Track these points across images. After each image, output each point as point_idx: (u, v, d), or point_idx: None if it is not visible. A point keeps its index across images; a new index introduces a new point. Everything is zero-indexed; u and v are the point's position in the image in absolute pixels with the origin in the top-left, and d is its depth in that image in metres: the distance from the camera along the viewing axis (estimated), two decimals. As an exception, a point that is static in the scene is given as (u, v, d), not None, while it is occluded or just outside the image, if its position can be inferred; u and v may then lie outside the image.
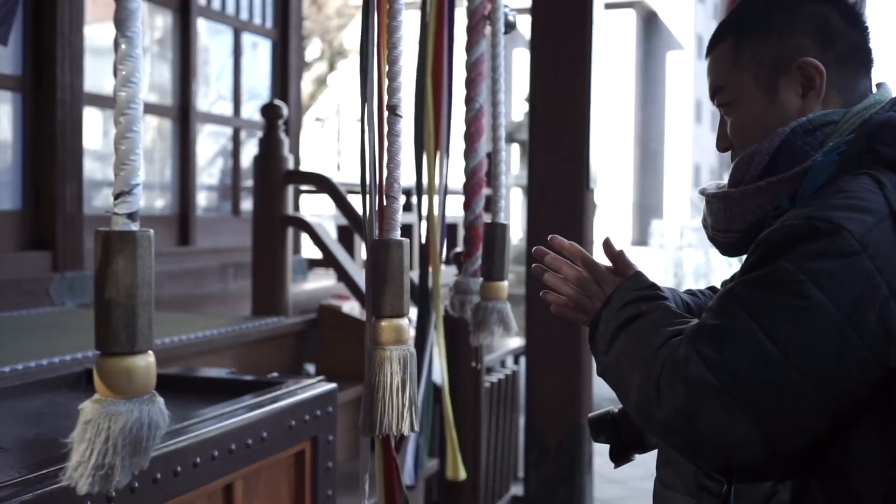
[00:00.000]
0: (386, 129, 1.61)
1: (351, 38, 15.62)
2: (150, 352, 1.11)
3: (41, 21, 4.53)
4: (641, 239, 24.86)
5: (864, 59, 1.44)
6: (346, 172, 14.36)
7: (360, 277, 4.06)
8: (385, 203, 1.62)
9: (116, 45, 1.09)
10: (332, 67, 16.03)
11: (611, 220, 26.65)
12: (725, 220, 1.44)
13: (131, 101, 1.08)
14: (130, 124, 1.08)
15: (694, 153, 34.95)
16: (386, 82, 1.59)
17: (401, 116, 1.62)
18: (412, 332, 2.39)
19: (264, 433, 2.19)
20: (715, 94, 1.50)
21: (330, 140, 17.56)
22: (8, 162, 4.53)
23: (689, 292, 1.65)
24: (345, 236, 5.55)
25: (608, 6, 25.30)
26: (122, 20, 1.06)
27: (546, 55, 3.65)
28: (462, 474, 2.38)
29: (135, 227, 1.10)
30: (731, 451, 1.20)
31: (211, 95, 6.35)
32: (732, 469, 1.26)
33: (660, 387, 1.24)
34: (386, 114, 1.62)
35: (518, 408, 4.76)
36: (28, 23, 4.52)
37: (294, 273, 5.56)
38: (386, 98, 1.61)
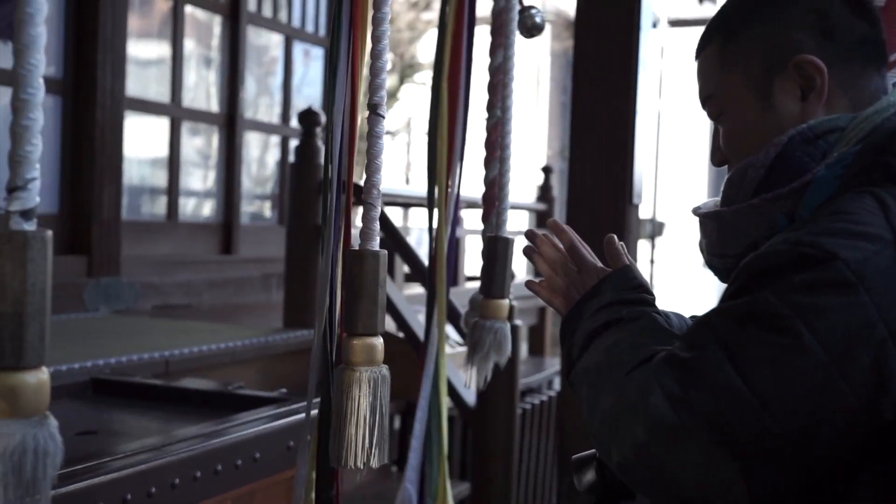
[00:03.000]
0: (366, 129, 1.47)
1: (423, 51, 15.61)
2: (44, 368, 0.97)
3: (83, 23, 4.50)
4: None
5: (873, 54, 1.22)
6: (414, 186, 14.31)
7: (394, 292, 3.93)
8: (363, 210, 1.48)
9: (18, 22, 0.97)
10: (402, 81, 15.99)
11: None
12: (720, 244, 1.26)
13: (30, 84, 0.95)
14: (28, 110, 0.95)
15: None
16: (364, 79, 1.45)
17: (383, 116, 1.48)
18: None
19: (257, 453, 2.06)
20: (705, 103, 1.31)
21: (399, 153, 17.53)
22: (46, 165, 4.49)
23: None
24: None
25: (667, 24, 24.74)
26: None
27: (589, 66, 3.48)
28: None
29: (29, 226, 0.97)
30: (708, 491, 1.04)
31: (276, 107, 6.29)
32: None
33: (620, 416, 1.09)
34: (366, 113, 1.48)
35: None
36: (70, 25, 4.49)
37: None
38: (365, 97, 1.46)
